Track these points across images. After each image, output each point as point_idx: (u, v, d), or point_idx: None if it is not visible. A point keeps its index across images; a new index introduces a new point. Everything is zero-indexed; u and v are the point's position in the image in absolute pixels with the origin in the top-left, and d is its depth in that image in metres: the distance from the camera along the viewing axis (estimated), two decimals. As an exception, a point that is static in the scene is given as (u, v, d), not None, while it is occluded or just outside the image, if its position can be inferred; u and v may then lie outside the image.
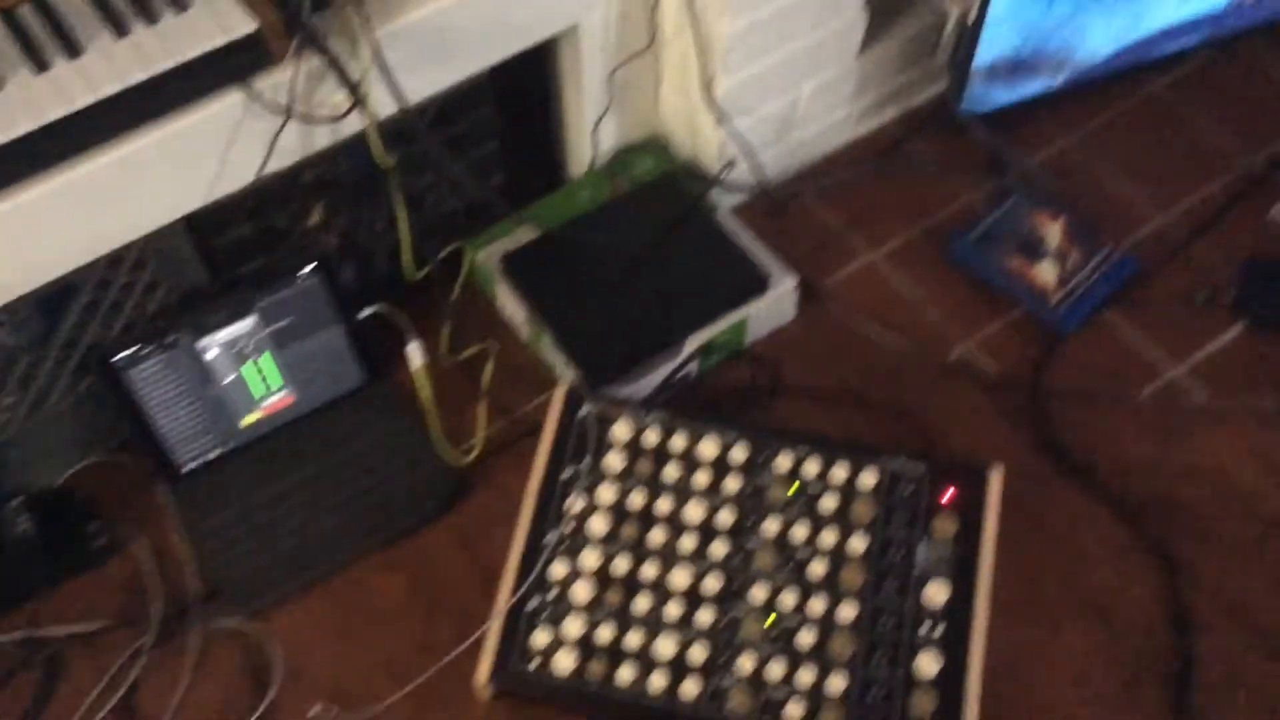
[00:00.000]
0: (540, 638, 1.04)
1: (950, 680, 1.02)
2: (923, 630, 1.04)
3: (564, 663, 1.03)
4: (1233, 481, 1.18)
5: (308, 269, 1.15)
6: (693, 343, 1.22)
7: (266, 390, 1.18)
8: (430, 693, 1.06)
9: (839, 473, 1.10)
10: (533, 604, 1.06)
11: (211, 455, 1.18)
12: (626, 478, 1.11)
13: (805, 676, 1.02)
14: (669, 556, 1.08)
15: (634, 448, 1.12)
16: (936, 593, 1.05)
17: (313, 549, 1.14)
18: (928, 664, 1.02)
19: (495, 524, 1.15)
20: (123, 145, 0.95)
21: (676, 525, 1.09)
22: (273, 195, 1.14)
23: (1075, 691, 1.07)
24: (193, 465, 1.18)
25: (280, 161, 1.04)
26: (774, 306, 1.26)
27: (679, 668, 1.03)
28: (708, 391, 1.25)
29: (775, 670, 1.02)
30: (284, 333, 1.16)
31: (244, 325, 1.14)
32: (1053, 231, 1.33)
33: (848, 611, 1.05)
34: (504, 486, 1.18)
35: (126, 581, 1.13)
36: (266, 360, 1.17)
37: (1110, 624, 1.11)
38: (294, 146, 1.04)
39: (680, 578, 1.06)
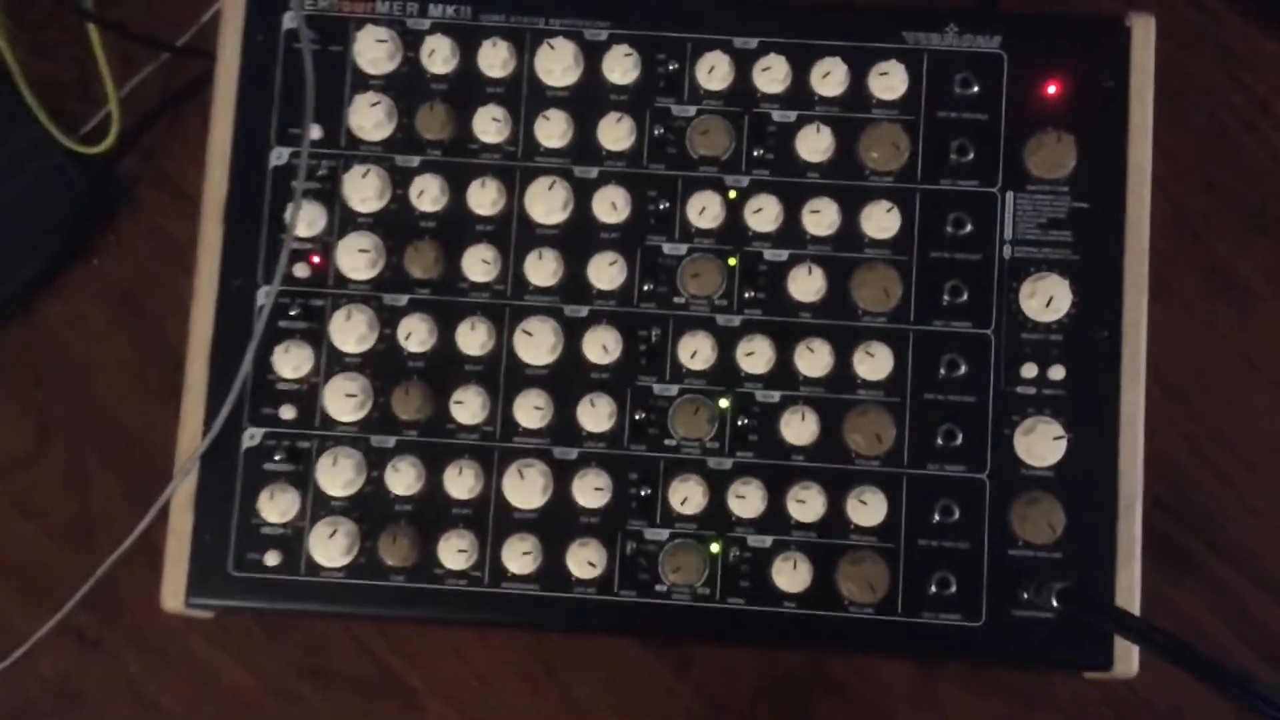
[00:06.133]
0: (275, 504, 0.52)
1: (1083, 462, 0.52)
2: (1024, 376, 0.52)
3: (328, 549, 0.52)
4: None
5: None
6: None
7: None
8: (98, 621, 0.57)
9: (828, 77, 0.53)
10: (250, 438, 0.53)
11: None
12: (400, 145, 0.54)
13: (806, 505, 0.52)
14: (506, 307, 0.53)
15: (404, 76, 0.54)
16: (1047, 294, 0.52)
17: None
18: (1036, 443, 0.52)
19: (172, 258, 0.60)
20: None
21: (514, 224, 0.54)
22: None
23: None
24: None
25: None
26: None
27: (552, 525, 0.52)
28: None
29: (744, 502, 0.52)
30: None
31: None
32: None
33: (877, 360, 0.52)
34: (178, 184, 0.61)
35: None
36: None
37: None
38: None
39: (535, 345, 0.53)
